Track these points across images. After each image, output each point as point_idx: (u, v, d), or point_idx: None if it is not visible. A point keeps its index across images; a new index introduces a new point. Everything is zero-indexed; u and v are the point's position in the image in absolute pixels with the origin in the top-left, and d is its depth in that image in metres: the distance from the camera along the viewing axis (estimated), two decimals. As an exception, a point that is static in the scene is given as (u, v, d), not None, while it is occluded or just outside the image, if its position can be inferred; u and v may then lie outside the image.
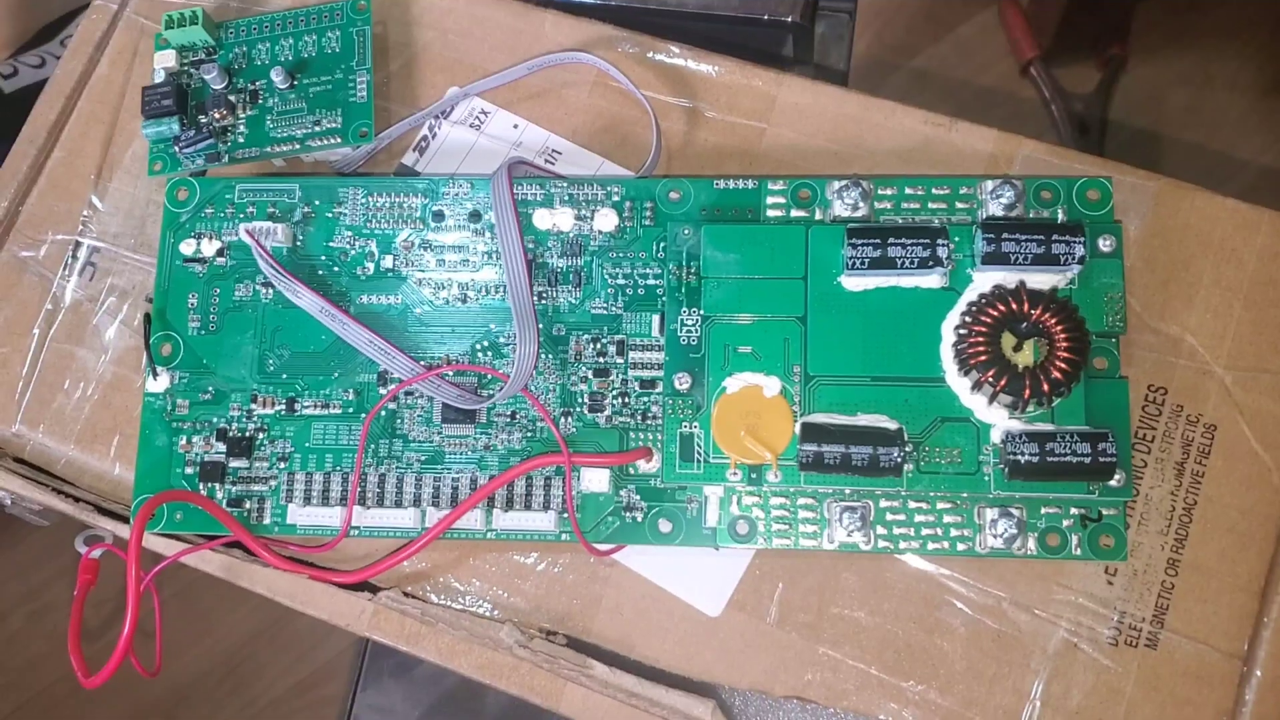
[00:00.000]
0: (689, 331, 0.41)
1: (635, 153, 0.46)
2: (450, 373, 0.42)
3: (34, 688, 0.90)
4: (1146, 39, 0.99)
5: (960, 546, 0.39)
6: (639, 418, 0.42)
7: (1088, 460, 0.37)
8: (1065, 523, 0.39)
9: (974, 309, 0.39)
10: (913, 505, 0.40)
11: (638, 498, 0.41)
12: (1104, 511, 0.39)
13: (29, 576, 0.92)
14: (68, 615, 0.42)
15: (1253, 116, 0.97)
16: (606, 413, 0.42)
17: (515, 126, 0.47)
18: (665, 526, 0.41)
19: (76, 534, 0.47)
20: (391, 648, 0.41)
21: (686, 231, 0.42)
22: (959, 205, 0.42)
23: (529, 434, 0.42)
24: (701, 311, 0.41)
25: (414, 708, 0.65)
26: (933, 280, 0.40)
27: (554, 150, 0.47)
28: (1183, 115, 0.98)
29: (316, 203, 0.44)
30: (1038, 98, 0.99)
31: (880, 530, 0.40)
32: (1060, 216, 0.41)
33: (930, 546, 0.40)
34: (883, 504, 0.40)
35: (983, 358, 0.38)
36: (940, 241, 0.39)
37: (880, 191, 0.42)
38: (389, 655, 0.66)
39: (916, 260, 0.39)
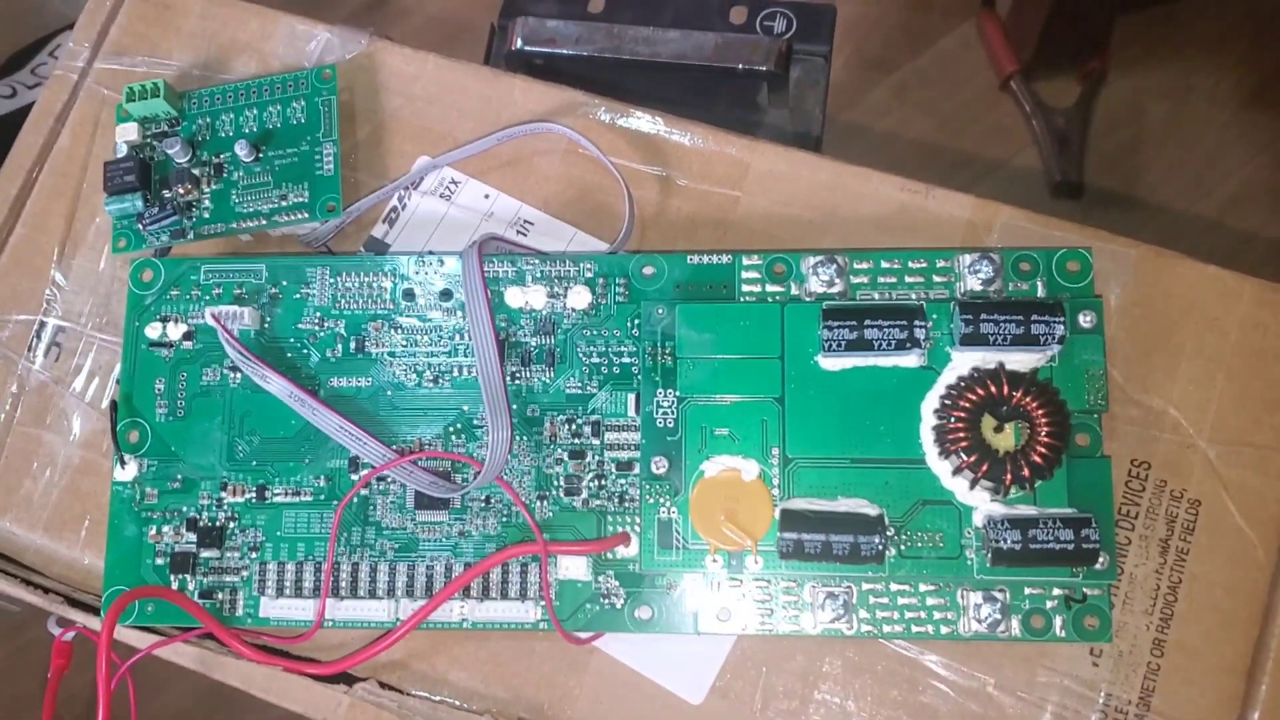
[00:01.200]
0: (665, 413, 0.40)
1: (608, 223, 0.45)
2: (423, 459, 0.42)
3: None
4: (1126, 52, 0.99)
5: (944, 630, 0.39)
6: (617, 500, 0.41)
7: (1071, 547, 0.37)
8: (1049, 604, 0.39)
9: (953, 393, 0.38)
10: (895, 588, 0.39)
11: (616, 584, 0.40)
12: (1088, 592, 0.39)
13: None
14: (40, 699, 0.41)
15: (1233, 128, 0.97)
16: (583, 496, 0.41)
17: (486, 196, 0.46)
18: (645, 613, 0.40)
19: (49, 615, 0.46)
20: None
21: (660, 311, 0.41)
22: (936, 279, 0.41)
23: (504, 519, 0.41)
24: (677, 393, 0.40)
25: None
26: (911, 360, 0.39)
27: (526, 221, 0.46)
28: (1163, 128, 0.97)
29: (284, 283, 0.44)
30: (1018, 112, 0.99)
31: (862, 614, 0.39)
32: (1040, 289, 0.40)
33: (914, 630, 0.39)
34: (865, 587, 0.39)
35: (963, 444, 0.37)
36: (918, 322, 0.39)
37: (856, 265, 0.41)
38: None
39: (894, 342, 0.39)
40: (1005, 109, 1.00)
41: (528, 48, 0.59)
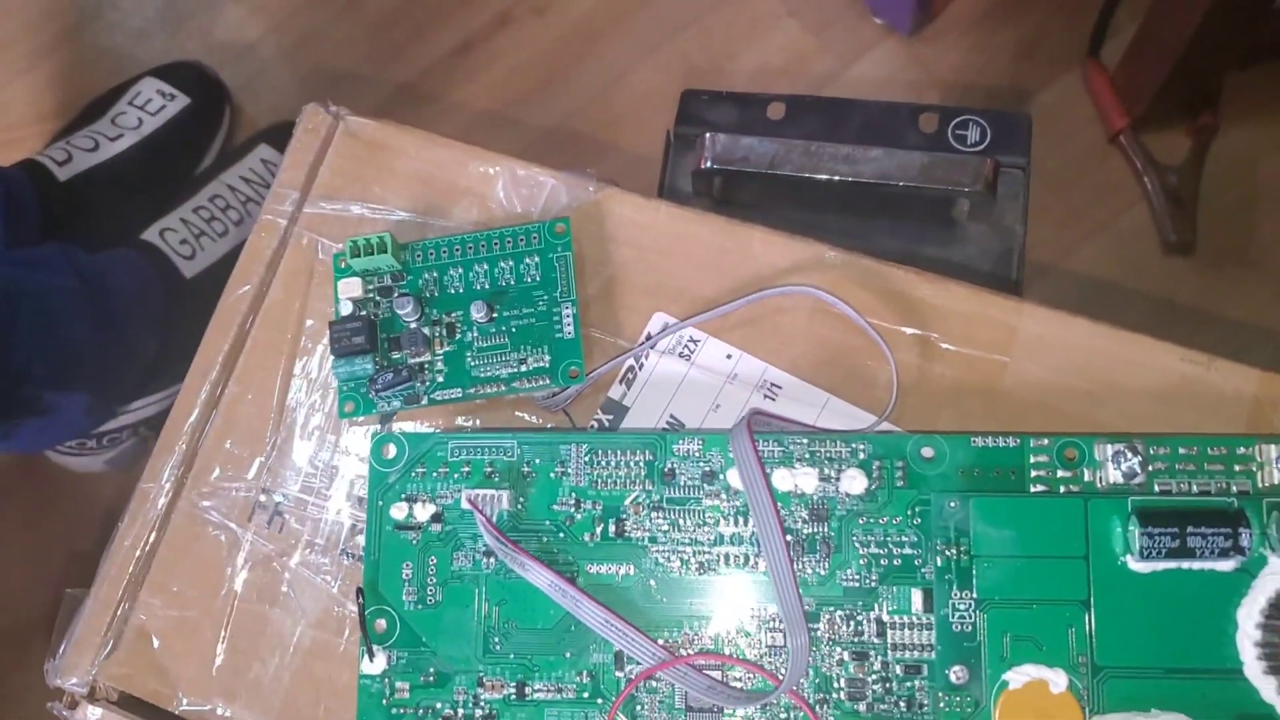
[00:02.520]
0: (962, 617, 0.38)
1: (864, 387, 0.43)
2: (700, 661, 0.39)
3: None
4: (1234, 104, 0.96)
5: None
6: (904, 706, 0.39)
7: None
8: (1373, 821, 0.37)
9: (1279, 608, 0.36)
10: (1210, 803, 0.37)
11: (909, 796, 0.38)
12: None
13: None
14: None
15: (1348, 184, 0.95)
16: (868, 700, 0.39)
17: (728, 357, 0.44)
18: (940, 827, 0.38)
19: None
20: None
21: (953, 504, 0.39)
22: (1236, 468, 0.39)
23: (784, 722, 0.39)
24: (975, 595, 0.38)
25: None
26: (1225, 564, 0.37)
27: (773, 384, 0.44)
28: (1275, 183, 0.95)
29: (537, 461, 0.41)
30: (1125, 167, 0.96)
31: (1177, 833, 0.37)
32: (1350, 481, 0.38)
33: (1229, 847, 0.37)
34: (1179, 804, 0.37)
35: (1299, 665, 0.35)
36: (1242, 529, 0.37)
37: (1151, 451, 0.39)
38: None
39: (1217, 550, 0.37)
40: (1112, 164, 0.97)
41: (718, 166, 0.56)
